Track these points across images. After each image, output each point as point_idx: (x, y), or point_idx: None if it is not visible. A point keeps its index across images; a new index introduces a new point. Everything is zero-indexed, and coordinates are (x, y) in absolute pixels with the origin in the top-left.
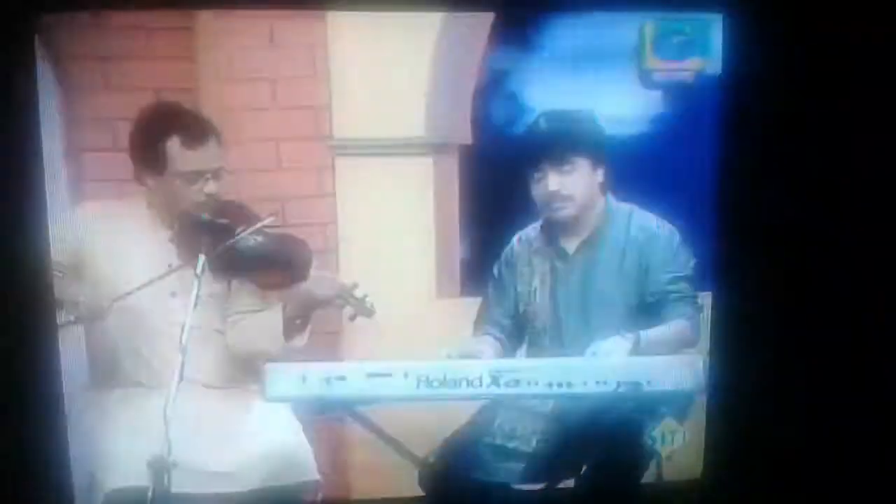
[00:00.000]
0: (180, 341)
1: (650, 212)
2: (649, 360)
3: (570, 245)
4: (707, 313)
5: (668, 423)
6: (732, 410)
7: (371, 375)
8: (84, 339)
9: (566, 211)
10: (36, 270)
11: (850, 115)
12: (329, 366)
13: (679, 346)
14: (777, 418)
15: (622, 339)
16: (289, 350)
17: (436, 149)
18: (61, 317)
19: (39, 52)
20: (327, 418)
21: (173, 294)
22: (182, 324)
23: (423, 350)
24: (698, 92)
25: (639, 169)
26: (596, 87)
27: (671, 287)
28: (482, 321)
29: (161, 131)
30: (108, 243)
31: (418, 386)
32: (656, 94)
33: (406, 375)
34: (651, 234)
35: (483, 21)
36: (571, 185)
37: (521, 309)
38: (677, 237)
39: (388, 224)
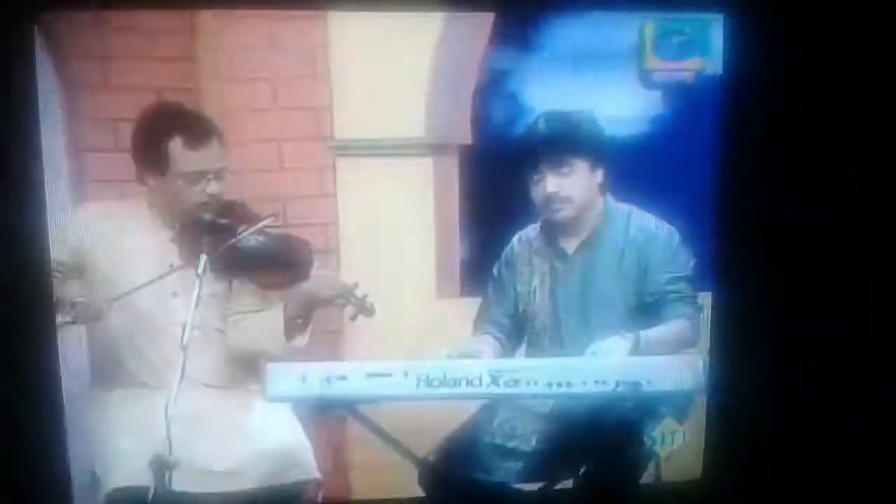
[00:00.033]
0: (181, 341)
1: (651, 212)
2: (649, 360)
3: (570, 245)
4: (707, 313)
5: (668, 423)
6: (732, 411)
7: (371, 375)
8: (86, 338)
9: (564, 212)
10: (36, 270)
11: (850, 115)
12: (329, 365)
13: (678, 346)
14: (777, 419)
15: (622, 339)
16: (290, 350)
17: (436, 149)
18: (60, 317)
19: (42, 52)
20: (328, 418)
21: (174, 294)
22: (183, 324)
23: (423, 350)
24: (698, 92)
25: (639, 169)
26: (596, 88)
27: (670, 287)
28: (482, 321)
29: (163, 132)
30: (109, 243)
31: (418, 385)
32: (656, 95)
33: (406, 375)
34: (650, 234)
35: (483, 22)
36: (570, 186)
37: (521, 309)
38: (676, 237)
39: (389, 224)
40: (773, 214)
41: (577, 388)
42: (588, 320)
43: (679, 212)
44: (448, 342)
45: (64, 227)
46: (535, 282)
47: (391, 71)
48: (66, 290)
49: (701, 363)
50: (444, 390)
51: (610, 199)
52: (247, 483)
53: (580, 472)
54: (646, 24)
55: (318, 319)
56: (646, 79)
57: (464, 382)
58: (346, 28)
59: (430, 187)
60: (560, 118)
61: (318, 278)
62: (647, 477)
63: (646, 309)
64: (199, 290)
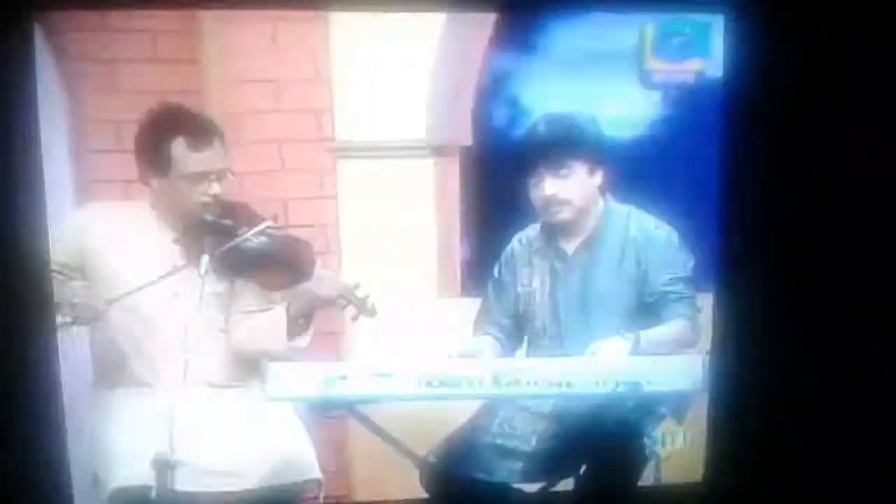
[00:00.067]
0: (183, 341)
1: (652, 213)
2: (649, 360)
3: (570, 246)
4: (708, 314)
5: (669, 424)
6: (734, 412)
7: (373, 375)
8: (89, 338)
9: (562, 215)
10: (36, 271)
11: (850, 116)
12: (331, 365)
13: (678, 346)
14: (779, 420)
15: (622, 340)
16: (292, 350)
17: (437, 151)
18: (59, 318)
19: (46, 54)
20: (329, 417)
21: (177, 294)
22: (185, 324)
23: (424, 350)
24: (699, 93)
25: (640, 170)
26: (596, 89)
27: (670, 287)
28: (482, 321)
29: (166, 133)
30: (112, 244)
31: (419, 385)
32: (657, 96)
33: (407, 375)
34: (650, 235)
35: (483, 24)
36: (568, 189)
37: (521, 309)
38: (676, 238)
39: (390, 225)
40: (775, 215)
41: (578, 388)
42: (588, 320)
43: (680, 212)
44: (449, 342)
45: (67, 228)
46: (536, 282)
47: (392, 73)
48: (67, 290)
49: (700, 363)
50: (444, 390)
51: (610, 199)
52: (248, 483)
53: (580, 472)
54: (646, 26)
55: (319, 320)
56: (646, 80)
57: (464, 382)
58: (347, 31)
59: (431, 188)
60: (559, 121)
61: (320, 279)
62: (647, 478)
63: (645, 309)
64: (202, 290)
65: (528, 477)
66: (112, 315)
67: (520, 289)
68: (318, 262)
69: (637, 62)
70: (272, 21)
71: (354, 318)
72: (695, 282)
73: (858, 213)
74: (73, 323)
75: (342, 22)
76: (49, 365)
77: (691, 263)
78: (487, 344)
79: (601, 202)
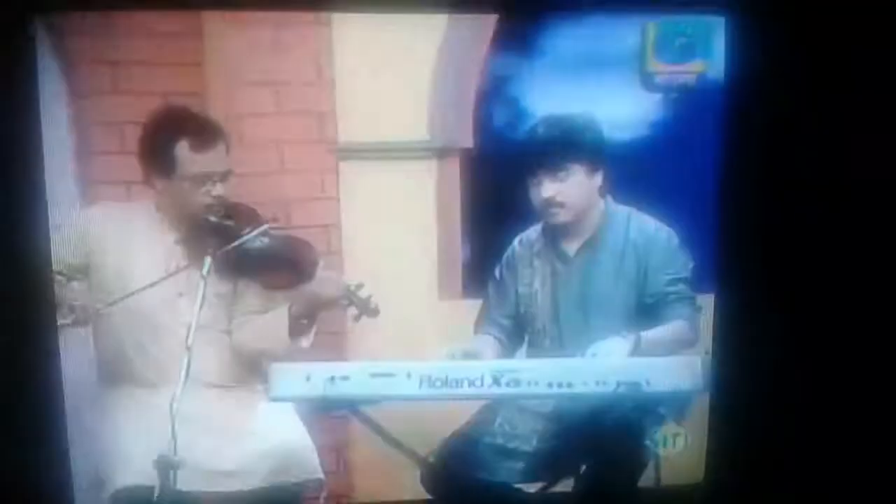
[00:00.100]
0: (186, 341)
1: (653, 214)
2: (649, 360)
3: (571, 247)
4: (709, 315)
5: (670, 426)
6: (736, 413)
7: (374, 375)
8: (92, 338)
9: (561, 217)
10: (38, 272)
11: (851, 118)
12: (333, 365)
13: (678, 346)
14: (780, 421)
15: (622, 340)
16: (294, 350)
17: (438, 152)
18: (60, 319)
19: (49, 56)
20: (331, 417)
21: (181, 294)
22: (189, 324)
23: (426, 350)
24: (700, 94)
25: (641, 172)
26: (597, 90)
27: (670, 288)
28: (483, 322)
29: (170, 135)
30: (115, 245)
31: (420, 386)
32: (658, 97)
33: (409, 375)
34: (649, 236)
35: (485, 25)
36: (566, 191)
37: (522, 310)
38: (675, 239)
39: (392, 226)
40: (776, 216)
41: (578, 389)
42: (588, 321)
43: (681, 214)
44: (450, 343)
45: (70, 229)
46: (537, 283)
47: (394, 75)
48: (67, 292)
49: (700, 363)
50: (445, 390)
51: (610, 201)
52: (250, 482)
53: (581, 472)
54: (647, 27)
55: (322, 320)
56: (647, 81)
57: (465, 383)
58: (349, 33)
59: (433, 190)
60: (559, 123)
61: (323, 279)
62: (648, 480)
63: (645, 310)
64: (204, 290)
65: (529, 477)
66: (115, 315)
67: (521, 290)
68: (321, 263)
69: (638, 64)
70: (275, 23)
71: (357, 319)
72: (695, 283)
73: (858, 214)
74: (73, 325)
75: (344, 24)
76: (50, 366)
77: (691, 264)
78: (488, 344)
79: (601, 204)
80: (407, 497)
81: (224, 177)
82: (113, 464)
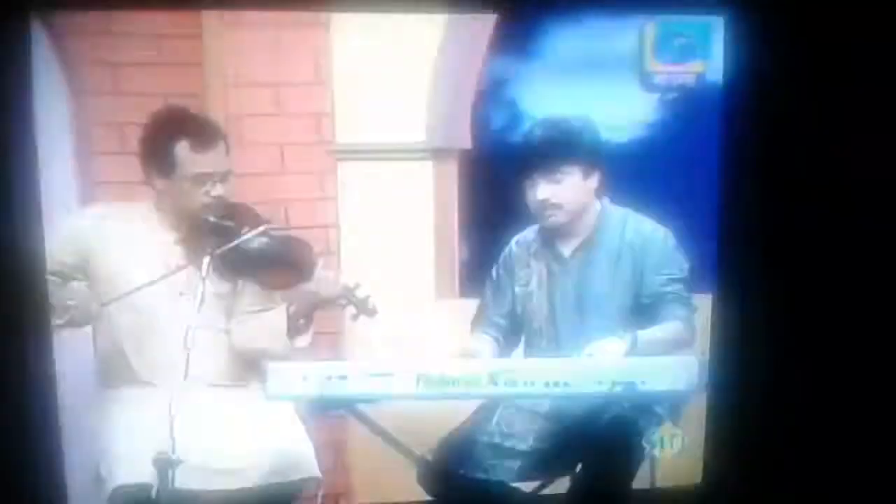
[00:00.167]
0: (185, 340)
1: (653, 214)
2: (645, 360)
3: (567, 248)
4: (707, 315)
5: (667, 426)
6: (733, 414)
7: (372, 375)
8: (92, 338)
9: (556, 218)
10: (33, 273)
11: (850, 118)
12: (330, 365)
13: (674, 346)
14: (778, 422)
15: (618, 340)
16: (292, 349)
17: (436, 153)
18: (55, 320)
19: (50, 57)
20: (328, 416)
21: (181, 294)
22: (187, 324)
23: (423, 350)
24: (699, 94)
25: (639, 172)
26: (596, 91)
27: (666, 289)
28: (480, 321)
29: (170, 135)
30: (115, 245)
31: (418, 385)
32: (657, 97)
33: (406, 375)
34: (646, 236)
35: (483, 27)
36: (561, 193)
37: (519, 310)
38: (672, 240)
39: (389, 226)
40: (774, 217)
41: (574, 388)
42: (585, 321)
43: (680, 214)
44: (447, 342)
45: (71, 229)
46: (533, 283)
47: (392, 76)
48: (64, 292)
49: (695, 363)
50: (443, 390)
51: (606, 202)
52: (248, 481)
53: (576, 471)
54: (646, 27)
55: (319, 320)
56: (646, 82)
57: (462, 382)
58: (347, 34)
59: (430, 191)
60: (555, 126)
61: (321, 279)
62: (645, 481)
63: (642, 310)
64: (203, 290)
65: (525, 476)
66: (114, 315)
67: (517, 290)
68: (319, 263)
69: (637, 64)
70: (274, 24)
71: (355, 318)
72: (691, 283)
73: (858, 214)
74: (69, 325)
75: (343, 25)
76: (45, 367)
77: (688, 265)
78: (485, 344)
79: (598, 205)
80: (404, 496)
81: (224, 177)
82: (112, 462)
